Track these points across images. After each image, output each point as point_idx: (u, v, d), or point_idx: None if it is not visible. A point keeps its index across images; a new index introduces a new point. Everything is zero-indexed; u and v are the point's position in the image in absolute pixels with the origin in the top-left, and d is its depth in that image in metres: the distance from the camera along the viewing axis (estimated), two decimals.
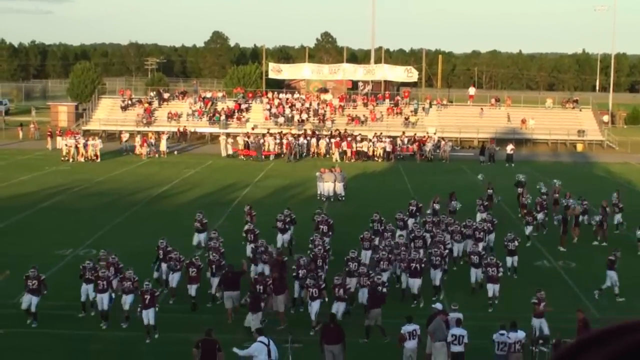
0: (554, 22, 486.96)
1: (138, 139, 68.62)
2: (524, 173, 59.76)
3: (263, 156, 65.25)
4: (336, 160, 63.62)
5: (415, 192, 50.38)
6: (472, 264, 28.27)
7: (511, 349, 20.57)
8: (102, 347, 22.87)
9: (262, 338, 19.54)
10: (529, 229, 36.60)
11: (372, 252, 29.91)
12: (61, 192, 48.47)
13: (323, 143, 67.95)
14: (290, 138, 67.50)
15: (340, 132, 70.86)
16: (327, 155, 66.47)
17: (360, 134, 69.59)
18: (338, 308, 23.88)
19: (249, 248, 30.91)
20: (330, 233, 32.83)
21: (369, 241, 30.86)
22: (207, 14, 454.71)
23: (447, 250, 29.61)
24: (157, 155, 65.71)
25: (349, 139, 67.59)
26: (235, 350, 19.47)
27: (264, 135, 69.63)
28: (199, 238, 33.56)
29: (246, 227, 32.60)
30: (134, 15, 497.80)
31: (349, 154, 66.15)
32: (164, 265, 27.97)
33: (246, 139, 68.65)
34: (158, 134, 70.57)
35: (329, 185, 47.03)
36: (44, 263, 29.26)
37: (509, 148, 66.51)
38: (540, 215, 38.31)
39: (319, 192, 47.40)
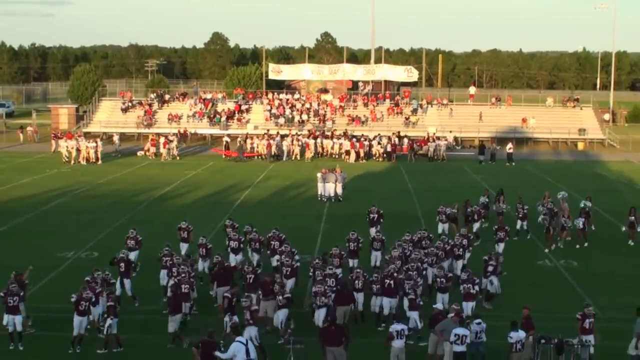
0: (554, 20, 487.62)
1: (161, 140, 68.43)
2: (525, 171, 60.03)
3: (244, 157, 65.41)
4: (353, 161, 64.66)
5: (416, 193, 50.44)
6: (439, 288, 25.70)
7: (513, 349, 20.56)
8: (105, 354, 22.85)
9: (239, 338, 19.54)
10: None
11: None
12: (62, 195, 48.48)
13: (337, 144, 67.81)
14: (271, 140, 67.39)
15: (346, 133, 70.78)
16: (341, 157, 66.48)
17: (363, 134, 69.77)
18: (319, 315, 23.96)
19: (233, 258, 29.42)
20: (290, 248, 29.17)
21: (339, 257, 28.09)
22: (207, 16, 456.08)
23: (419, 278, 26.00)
24: (178, 158, 65.74)
25: (361, 139, 67.56)
26: (217, 354, 19.37)
27: (246, 136, 69.94)
28: (184, 248, 31.60)
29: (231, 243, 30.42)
30: (133, 17, 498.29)
31: (362, 154, 66.13)
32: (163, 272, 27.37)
33: (227, 139, 69.31)
34: (176, 133, 71.05)
35: (330, 185, 46.99)
36: (45, 265, 29.28)
37: (508, 147, 66.52)
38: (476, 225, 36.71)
39: (319, 193, 47.39)
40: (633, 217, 36.69)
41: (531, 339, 21.13)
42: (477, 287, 25.42)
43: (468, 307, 24.63)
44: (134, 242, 30.25)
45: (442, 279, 25.56)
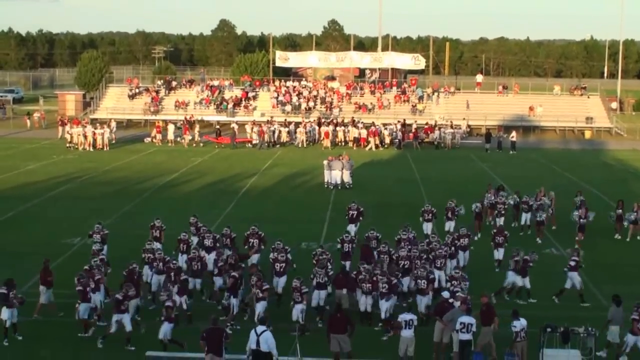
0: (561, 8, 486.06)
1: (173, 127, 68.66)
2: (532, 160, 59.96)
3: (236, 143, 65.58)
4: (370, 149, 64.74)
5: (423, 181, 50.41)
6: (418, 290, 24.44)
7: (517, 338, 20.55)
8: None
9: (258, 327, 19.61)
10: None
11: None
12: (69, 181, 48.55)
13: (354, 131, 67.74)
14: (264, 127, 67.54)
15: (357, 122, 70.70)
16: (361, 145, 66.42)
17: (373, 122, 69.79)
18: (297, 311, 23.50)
19: (181, 259, 27.29)
20: (263, 247, 28.69)
21: (323, 266, 25.31)
22: (214, 2, 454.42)
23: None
24: (201, 145, 65.81)
25: (377, 126, 67.65)
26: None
27: (253, 123, 70.14)
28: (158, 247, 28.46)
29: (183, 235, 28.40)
30: (141, 3, 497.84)
31: (377, 142, 66.26)
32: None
33: (218, 126, 69.70)
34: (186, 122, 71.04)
35: (336, 173, 46.93)
36: (51, 252, 29.26)
37: (512, 135, 66.42)
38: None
39: (326, 180, 47.37)
40: (620, 210, 36.16)
41: (493, 327, 21.13)
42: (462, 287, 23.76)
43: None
44: (100, 236, 28.64)
45: (423, 281, 24.24)
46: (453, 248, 28.24)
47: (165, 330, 21.83)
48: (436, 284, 24.97)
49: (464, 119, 74.55)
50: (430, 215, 34.04)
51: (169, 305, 22.31)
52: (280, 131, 67.95)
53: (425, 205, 35.10)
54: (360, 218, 34.10)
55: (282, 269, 25.85)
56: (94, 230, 29.23)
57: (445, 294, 22.68)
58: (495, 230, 31.40)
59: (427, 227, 33.63)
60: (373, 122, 69.42)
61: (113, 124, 69.46)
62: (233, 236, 28.90)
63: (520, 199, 37.24)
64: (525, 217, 36.41)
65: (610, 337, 21.72)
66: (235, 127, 69.25)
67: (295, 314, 23.27)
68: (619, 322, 22.08)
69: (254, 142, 66.28)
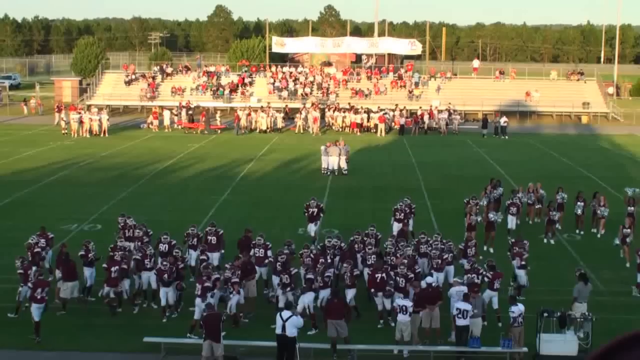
0: None
1: (169, 113, 68.65)
2: (528, 145, 59.97)
3: (210, 129, 65.61)
4: (381, 134, 64.90)
5: (419, 166, 50.41)
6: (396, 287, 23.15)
7: (514, 323, 20.64)
8: (105, 322, 22.94)
9: (283, 312, 20.00)
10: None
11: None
12: (66, 167, 48.49)
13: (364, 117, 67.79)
14: (239, 112, 67.81)
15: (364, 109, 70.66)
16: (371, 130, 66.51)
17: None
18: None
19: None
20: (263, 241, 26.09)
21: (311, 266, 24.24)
22: None
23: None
24: (219, 131, 65.76)
25: (382, 112, 67.79)
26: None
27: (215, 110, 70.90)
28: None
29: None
30: None
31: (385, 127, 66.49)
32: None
33: (190, 112, 69.56)
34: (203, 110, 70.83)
35: (333, 159, 46.86)
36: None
37: (503, 120, 66.21)
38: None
39: (323, 166, 47.31)
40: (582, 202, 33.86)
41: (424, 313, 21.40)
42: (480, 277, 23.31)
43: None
44: (45, 240, 26.84)
45: (401, 279, 23.33)
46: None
47: (233, 303, 22.38)
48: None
49: (449, 103, 73.50)
50: (402, 214, 30.71)
51: (235, 280, 22.67)
52: (276, 117, 67.81)
53: (398, 203, 31.72)
54: (321, 215, 31.61)
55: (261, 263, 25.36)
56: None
57: (429, 280, 22.76)
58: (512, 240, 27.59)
59: (395, 227, 30.21)
60: (379, 108, 69.36)
61: (105, 111, 69.14)
62: (221, 232, 27.24)
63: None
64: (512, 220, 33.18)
65: (577, 313, 21.76)
66: (217, 114, 69.52)
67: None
68: (584, 299, 22.33)
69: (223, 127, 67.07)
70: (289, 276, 23.28)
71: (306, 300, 22.59)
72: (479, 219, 30.81)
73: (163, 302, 23.23)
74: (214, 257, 26.16)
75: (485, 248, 30.02)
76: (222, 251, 26.87)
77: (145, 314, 22.84)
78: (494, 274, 23.21)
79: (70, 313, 23.55)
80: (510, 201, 33.45)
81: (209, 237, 26.78)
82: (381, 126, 65.84)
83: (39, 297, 21.89)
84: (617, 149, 59.07)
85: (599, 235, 33.14)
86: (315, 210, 31.23)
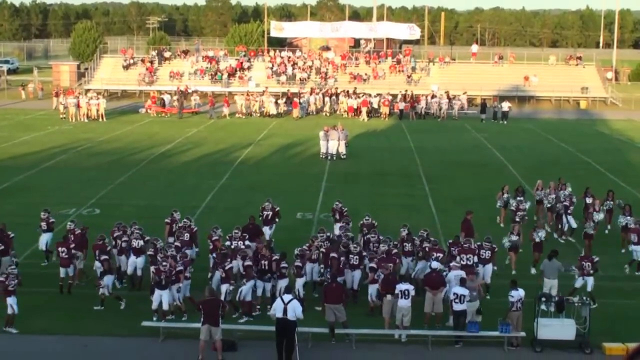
0: None
1: (169, 97, 68.55)
2: (527, 130, 59.93)
3: (182, 113, 65.60)
4: (363, 120, 64.60)
5: (418, 150, 50.38)
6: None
7: (513, 308, 20.70)
8: (105, 306, 22.95)
9: (285, 296, 20.04)
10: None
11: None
12: (64, 152, 48.43)
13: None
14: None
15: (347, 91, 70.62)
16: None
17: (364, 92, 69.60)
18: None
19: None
20: (195, 247, 25.95)
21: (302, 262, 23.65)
22: None
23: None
24: (243, 117, 65.70)
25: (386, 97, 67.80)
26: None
27: (193, 92, 71.39)
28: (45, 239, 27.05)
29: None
30: None
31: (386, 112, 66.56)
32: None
33: (167, 96, 69.34)
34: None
35: (333, 143, 46.72)
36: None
37: (506, 105, 65.95)
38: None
39: (322, 151, 47.22)
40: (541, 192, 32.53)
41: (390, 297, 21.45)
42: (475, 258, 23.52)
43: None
44: (46, 224, 27.02)
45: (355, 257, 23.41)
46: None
47: (246, 290, 22.38)
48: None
49: (464, 92, 73.43)
50: (339, 215, 28.69)
51: (248, 264, 22.64)
52: (276, 102, 67.62)
53: (335, 203, 29.79)
54: (276, 220, 28.92)
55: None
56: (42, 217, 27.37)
57: (435, 265, 22.80)
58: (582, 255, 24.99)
59: (336, 228, 28.06)
60: (364, 92, 69.22)
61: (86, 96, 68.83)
62: (195, 229, 26.37)
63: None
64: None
65: (546, 289, 22.47)
66: (197, 98, 69.53)
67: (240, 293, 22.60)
68: (551, 275, 23.05)
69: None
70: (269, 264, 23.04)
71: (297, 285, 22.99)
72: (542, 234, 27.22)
73: (154, 306, 21.90)
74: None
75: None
76: (197, 249, 25.98)
77: (145, 298, 22.82)
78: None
79: (70, 297, 23.60)
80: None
81: (184, 232, 25.60)
82: (364, 109, 65.89)
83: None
84: (615, 134, 59.04)
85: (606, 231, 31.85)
86: (270, 213, 28.62)
